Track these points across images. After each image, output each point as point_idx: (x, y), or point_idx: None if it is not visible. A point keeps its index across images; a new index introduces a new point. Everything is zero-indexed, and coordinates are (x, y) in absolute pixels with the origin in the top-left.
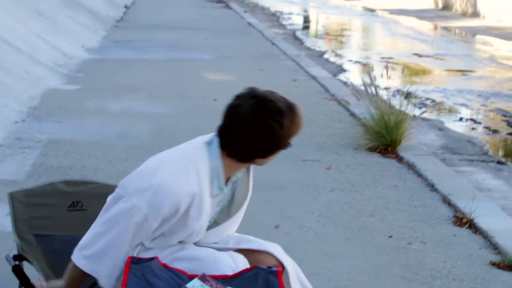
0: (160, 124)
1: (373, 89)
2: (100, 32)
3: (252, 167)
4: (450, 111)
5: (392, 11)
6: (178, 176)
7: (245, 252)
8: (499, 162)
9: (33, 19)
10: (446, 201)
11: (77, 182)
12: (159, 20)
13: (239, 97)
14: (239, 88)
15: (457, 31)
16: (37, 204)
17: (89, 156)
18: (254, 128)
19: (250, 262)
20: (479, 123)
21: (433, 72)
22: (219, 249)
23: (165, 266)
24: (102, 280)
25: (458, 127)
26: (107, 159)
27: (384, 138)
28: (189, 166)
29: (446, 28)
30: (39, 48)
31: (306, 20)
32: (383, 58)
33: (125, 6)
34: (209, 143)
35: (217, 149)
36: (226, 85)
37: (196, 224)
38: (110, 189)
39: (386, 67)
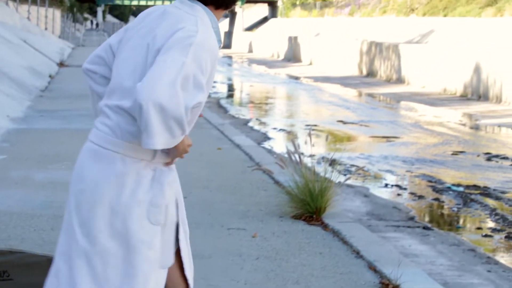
0: None
1: (297, 156)
2: (25, 102)
3: None
4: (375, 177)
5: (317, 79)
6: (208, 34)
7: None
8: (425, 228)
9: None
10: (372, 267)
11: (3, 251)
12: (84, 90)
13: None
14: None
15: (381, 97)
16: None
17: (15, 226)
18: None
19: None
20: (405, 189)
21: (358, 139)
22: None
23: None
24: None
25: (384, 193)
26: (33, 228)
27: (309, 206)
28: (206, 22)
29: (370, 95)
30: None
31: (231, 88)
32: (307, 125)
33: (50, 76)
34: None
35: (204, 6)
36: None
37: (211, 86)
38: (37, 258)
39: (309, 135)
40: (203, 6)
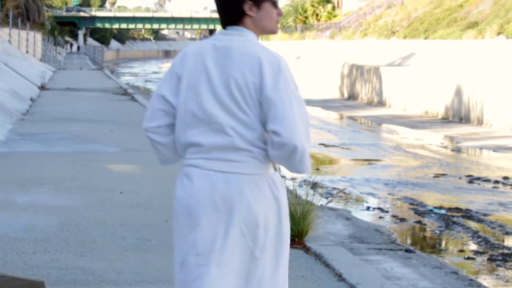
0: (66, 217)
1: None
2: (6, 125)
3: None
4: (357, 200)
5: None
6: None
7: None
8: (407, 250)
9: None
10: None
11: None
12: (65, 113)
13: None
14: (145, 181)
15: (363, 120)
16: None
17: None
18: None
19: None
20: (387, 211)
21: (340, 162)
22: None
23: None
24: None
25: (366, 216)
26: (15, 252)
27: (291, 229)
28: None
29: (352, 118)
30: None
31: None
32: None
33: (31, 99)
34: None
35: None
36: (132, 178)
37: None
38: (20, 282)
39: None
40: (246, 29)
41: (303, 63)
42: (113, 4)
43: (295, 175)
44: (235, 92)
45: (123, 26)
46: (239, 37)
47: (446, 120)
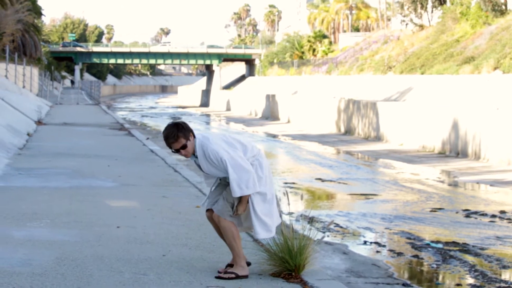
0: (63, 252)
1: None
2: (3, 159)
3: None
4: (354, 234)
5: (295, 137)
6: None
7: None
8: (404, 285)
9: None
10: None
11: None
12: (62, 148)
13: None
14: (142, 215)
15: (359, 155)
16: None
17: None
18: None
19: None
20: (384, 246)
21: (336, 197)
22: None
23: None
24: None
25: (363, 251)
26: (12, 286)
27: (288, 263)
28: None
29: (348, 152)
30: None
31: None
32: (286, 183)
33: (28, 134)
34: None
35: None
36: (129, 212)
37: None
38: None
39: (287, 193)
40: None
41: (300, 98)
42: (109, 39)
43: (292, 209)
44: None
45: (120, 61)
46: None
47: (443, 155)
